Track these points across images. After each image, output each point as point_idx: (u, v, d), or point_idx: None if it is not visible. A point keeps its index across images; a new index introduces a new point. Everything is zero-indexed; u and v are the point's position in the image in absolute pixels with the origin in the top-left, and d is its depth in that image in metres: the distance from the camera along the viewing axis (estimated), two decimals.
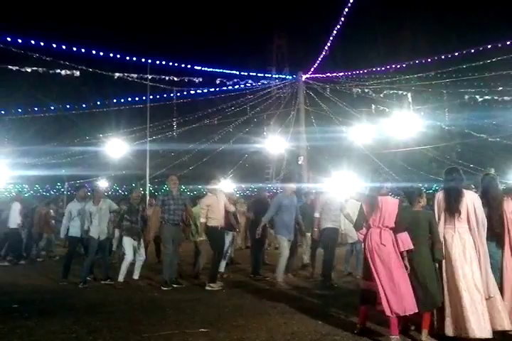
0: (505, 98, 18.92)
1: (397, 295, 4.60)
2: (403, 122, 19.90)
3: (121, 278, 8.12)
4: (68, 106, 20.55)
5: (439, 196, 5.00)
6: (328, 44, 17.91)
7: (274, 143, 23.43)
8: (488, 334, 4.43)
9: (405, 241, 4.77)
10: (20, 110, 20.05)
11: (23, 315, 5.87)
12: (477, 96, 19.27)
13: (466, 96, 19.58)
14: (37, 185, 27.30)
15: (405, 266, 4.75)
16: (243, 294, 7.28)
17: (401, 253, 4.78)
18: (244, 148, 25.01)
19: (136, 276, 8.31)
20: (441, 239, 4.82)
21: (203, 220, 8.14)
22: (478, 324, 4.43)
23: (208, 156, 24.30)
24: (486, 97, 19.21)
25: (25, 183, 26.20)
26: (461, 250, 4.72)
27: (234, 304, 6.48)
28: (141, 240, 8.43)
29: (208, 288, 7.72)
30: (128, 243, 8.30)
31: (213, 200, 8.19)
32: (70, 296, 7.28)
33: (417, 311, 4.62)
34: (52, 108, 20.22)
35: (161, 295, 7.24)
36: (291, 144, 23.04)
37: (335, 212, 8.12)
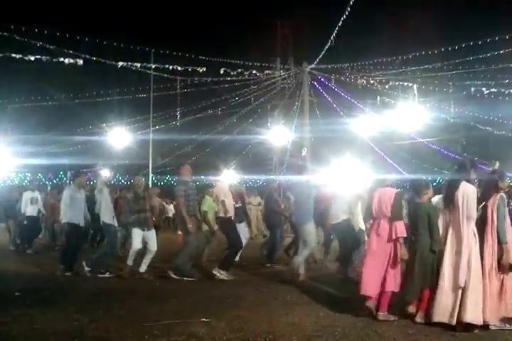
0: None
1: (377, 278, 5.17)
2: (408, 114, 19.78)
3: (130, 262, 7.90)
4: (71, 95, 20.53)
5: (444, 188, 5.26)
6: (334, 34, 17.69)
7: (277, 134, 23.36)
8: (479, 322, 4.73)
9: (399, 229, 5.09)
10: (23, 99, 20.05)
11: (25, 303, 5.87)
12: (483, 89, 19.08)
13: (473, 89, 19.39)
14: (39, 174, 27.38)
15: (396, 254, 5.13)
16: (245, 285, 7.28)
17: (397, 241, 5.13)
18: (248, 138, 24.95)
19: (142, 269, 7.91)
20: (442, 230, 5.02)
21: (207, 209, 8.15)
22: (473, 310, 4.66)
23: (211, 147, 24.28)
24: (493, 90, 19.01)
25: (27, 172, 26.27)
26: (456, 241, 4.91)
27: (235, 295, 6.48)
28: (152, 230, 8.15)
29: (215, 272, 7.64)
30: (138, 233, 7.94)
31: (227, 190, 8.17)
32: (72, 285, 7.29)
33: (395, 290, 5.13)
34: (55, 97, 20.21)
35: (162, 285, 7.25)
36: (295, 135, 22.96)
37: (347, 204, 8.02)
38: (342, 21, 16.15)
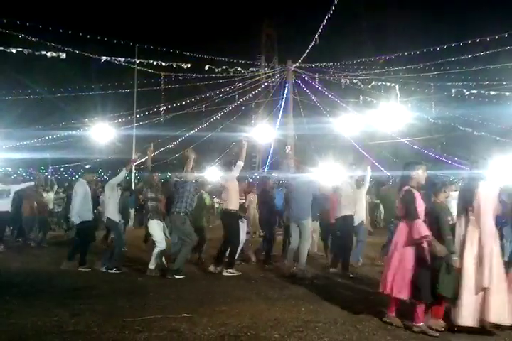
0: (492, 92, 19.06)
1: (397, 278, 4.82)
2: (390, 114, 19.98)
3: (152, 266, 7.66)
4: (54, 89, 20.25)
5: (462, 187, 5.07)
6: (318, 33, 17.81)
7: (261, 131, 23.39)
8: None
9: (421, 229, 4.69)
10: (4, 92, 19.70)
11: (3, 298, 5.81)
12: (464, 90, 19.39)
13: (453, 90, 19.69)
14: (20, 169, 26.96)
15: (423, 256, 4.76)
16: (227, 281, 7.31)
17: (421, 242, 4.74)
18: (232, 136, 24.92)
19: (152, 266, 7.69)
20: (459, 230, 4.83)
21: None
22: (498, 311, 4.54)
23: (195, 143, 24.18)
24: (473, 91, 19.32)
25: (8, 166, 25.84)
26: (476, 240, 4.73)
27: (218, 290, 6.51)
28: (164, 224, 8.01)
29: (226, 273, 7.66)
30: (157, 227, 7.78)
31: (236, 185, 8.17)
32: (52, 280, 7.23)
33: (406, 298, 4.81)
34: (37, 90, 19.91)
35: (145, 281, 7.23)
36: (279, 133, 23.03)
37: (347, 199, 8.10)
38: (327, 21, 16.28)
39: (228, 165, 8.34)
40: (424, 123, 23.38)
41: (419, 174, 5.04)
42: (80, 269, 8.01)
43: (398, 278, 4.84)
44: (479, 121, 21.75)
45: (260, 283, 7.13)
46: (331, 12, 16.12)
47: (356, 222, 8.43)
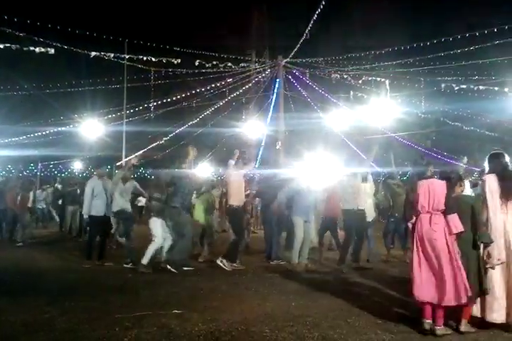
0: (480, 87, 19.19)
1: (434, 283, 4.54)
2: (380, 109, 20.05)
3: (145, 261, 7.64)
4: (42, 85, 20.04)
5: (491, 180, 4.78)
6: (309, 28, 17.78)
7: (252, 127, 23.34)
8: None
9: (457, 223, 4.58)
10: None
11: None
12: (453, 85, 19.49)
13: (443, 85, 19.78)
14: (9, 166, 26.73)
15: (454, 253, 4.54)
16: (218, 276, 7.32)
17: (453, 237, 4.60)
18: (223, 131, 24.85)
19: (145, 261, 7.66)
20: (490, 224, 4.63)
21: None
22: None
23: (185, 139, 24.08)
24: (462, 86, 19.43)
25: None
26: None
27: (208, 286, 6.52)
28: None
29: (220, 263, 7.82)
30: (158, 223, 7.85)
31: (241, 180, 8.30)
32: (43, 277, 7.22)
33: (455, 304, 4.46)
34: (25, 86, 19.70)
35: (135, 277, 7.22)
36: (270, 129, 23.00)
37: (351, 192, 8.13)
38: (317, 15, 16.26)
39: (237, 162, 8.40)
40: (414, 118, 23.49)
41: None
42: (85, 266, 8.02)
43: (459, 281, 4.45)
44: (468, 116, 21.89)
45: (251, 278, 7.15)
46: (321, 6, 16.10)
47: (369, 218, 8.54)
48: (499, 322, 4.56)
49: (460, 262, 4.53)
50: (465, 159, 9.55)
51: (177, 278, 7.10)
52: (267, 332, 4.54)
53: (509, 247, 4.60)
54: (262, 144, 24.27)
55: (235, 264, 7.96)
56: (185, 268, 7.67)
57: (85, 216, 8.55)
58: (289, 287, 6.55)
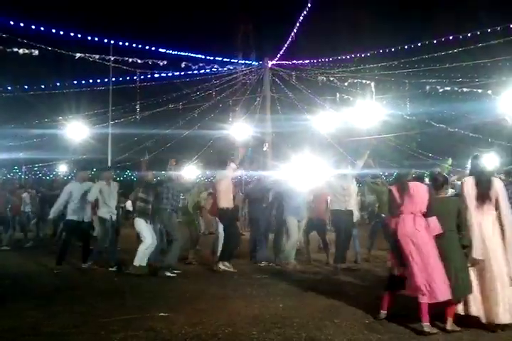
0: (465, 89, 19.41)
1: (432, 282, 4.58)
2: (366, 111, 20.18)
3: (137, 263, 7.57)
4: (26, 87, 19.80)
5: (469, 182, 4.89)
6: (295, 30, 17.88)
7: (239, 129, 23.33)
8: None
9: (436, 225, 4.75)
10: None
11: None
12: (438, 87, 19.70)
13: (428, 87, 19.98)
14: None
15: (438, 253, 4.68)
16: (205, 279, 7.30)
17: (434, 238, 4.74)
18: (210, 134, 24.81)
19: (136, 263, 7.59)
20: (470, 226, 4.73)
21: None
22: (504, 310, 4.48)
23: (172, 141, 23.98)
24: (447, 88, 19.64)
25: None
26: (491, 236, 4.72)
27: (195, 289, 6.50)
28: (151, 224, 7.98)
29: (222, 267, 7.85)
30: (143, 225, 7.77)
31: (229, 183, 8.34)
32: (29, 282, 7.14)
33: (450, 298, 4.56)
34: (8, 88, 19.45)
35: (121, 281, 7.17)
36: (257, 131, 23.02)
37: (342, 193, 8.11)
38: (303, 17, 16.34)
39: (223, 164, 8.46)
40: (400, 120, 23.68)
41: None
42: (55, 271, 7.88)
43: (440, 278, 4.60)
44: (453, 118, 22.13)
45: (238, 280, 7.14)
46: (307, 9, 16.20)
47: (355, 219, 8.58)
48: (475, 315, 4.63)
49: (441, 261, 4.65)
50: (450, 160, 9.67)
51: (163, 281, 7.07)
52: (255, 333, 4.53)
53: (485, 248, 4.69)
54: (250, 146, 24.26)
55: (227, 264, 7.93)
56: (168, 274, 7.52)
57: (51, 216, 8.50)
58: (277, 288, 6.55)
